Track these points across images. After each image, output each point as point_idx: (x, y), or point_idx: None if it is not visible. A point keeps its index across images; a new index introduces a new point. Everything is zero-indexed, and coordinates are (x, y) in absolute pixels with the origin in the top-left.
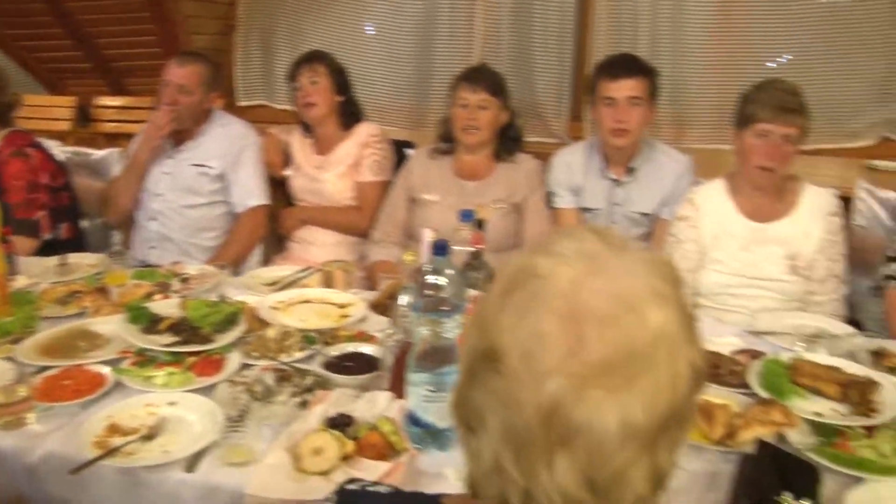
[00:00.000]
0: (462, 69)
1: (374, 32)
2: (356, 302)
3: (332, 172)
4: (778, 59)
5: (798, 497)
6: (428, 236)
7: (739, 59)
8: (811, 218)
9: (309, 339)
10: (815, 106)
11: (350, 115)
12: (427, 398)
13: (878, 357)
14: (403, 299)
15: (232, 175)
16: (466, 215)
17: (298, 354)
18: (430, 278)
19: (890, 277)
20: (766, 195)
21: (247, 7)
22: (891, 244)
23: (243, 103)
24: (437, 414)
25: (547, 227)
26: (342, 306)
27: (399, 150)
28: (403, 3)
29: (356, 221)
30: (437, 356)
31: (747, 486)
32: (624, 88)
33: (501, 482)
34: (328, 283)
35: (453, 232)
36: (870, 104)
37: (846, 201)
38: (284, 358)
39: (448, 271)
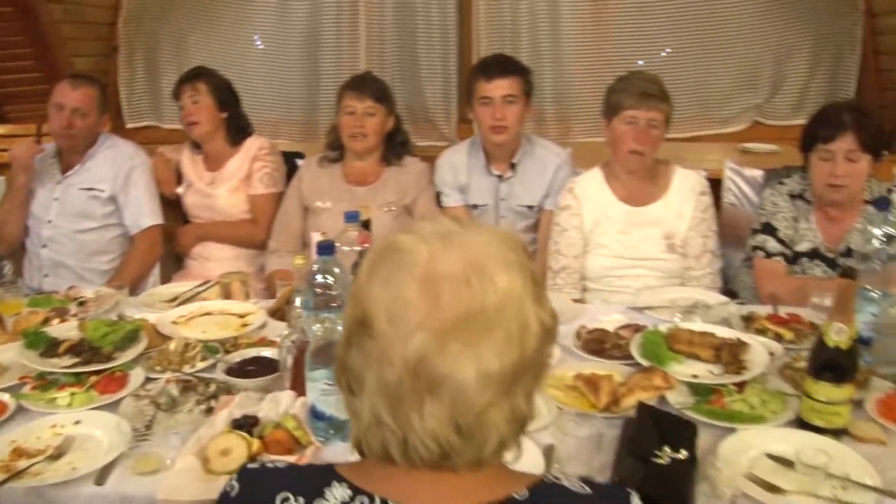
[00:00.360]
0: (348, 78)
1: (262, 46)
2: (255, 310)
3: (225, 187)
4: (654, 56)
5: (676, 450)
6: (316, 239)
7: (615, 57)
8: (683, 198)
9: (211, 349)
10: (690, 96)
11: (237, 129)
12: (325, 392)
13: (748, 321)
14: (297, 301)
15: (123, 197)
16: (351, 216)
17: (201, 365)
18: (319, 278)
19: (756, 248)
20: (640, 180)
21: (128, 27)
22: (757, 218)
23: (131, 125)
24: (337, 406)
25: None
26: (242, 316)
27: (289, 162)
28: (288, 17)
29: (252, 234)
30: (331, 351)
31: (630, 445)
32: (499, 88)
33: (381, 434)
34: (226, 295)
35: (341, 234)
36: (739, 92)
37: (720, 183)
38: (187, 369)
39: (335, 270)
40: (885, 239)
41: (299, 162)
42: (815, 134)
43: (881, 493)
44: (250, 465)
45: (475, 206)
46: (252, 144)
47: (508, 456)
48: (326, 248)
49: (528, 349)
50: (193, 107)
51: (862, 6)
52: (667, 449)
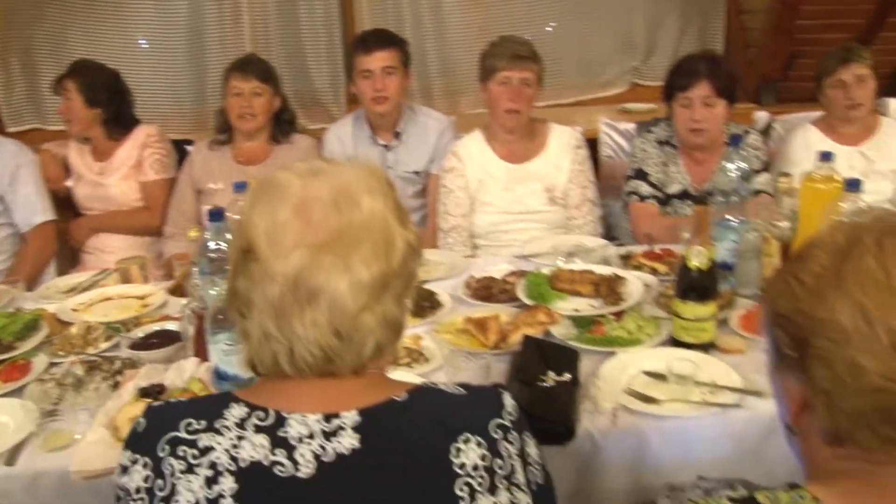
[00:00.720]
0: (233, 61)
1: (145, 42)
2: (155, 291)
3: (115, 176)
4: (538, 27)
5: (560, 374)
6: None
7: (499, 29)
8: (560, 153)
9: (113, 328)
10: (573, 63)
11: (116, 125)
12: (227, 352)
13: (626, 259)
14: (195, 272)
15: (11, 195)
16: (240, 186)
17: (105, 345)
18: (212, 244)
19: (631, 193)
20: (519, 138)
21: (1, 29)
22: (630, 165)
23: (13, 129)
24: (240, 364)
25: None
26: (142, 297)
27: (180, 149)
28: (169, 8)
29: (146, 221)
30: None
31: (517, 373)
32: (378, 60)
33: (271, 348)
34: (125, 280)
35: (231, 204)
36: (618, 56)
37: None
38: (91, 351)
39: (227, 235)
40: (739, 172)
41: (189, 148)
42: (675, 83)
43: (742, 392)
44: (154, 404)
45: None
46: (141, 132)
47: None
48: (217, 215)
49: (394, 261)
50: (63, 105)
51: None
52: (551, 373)
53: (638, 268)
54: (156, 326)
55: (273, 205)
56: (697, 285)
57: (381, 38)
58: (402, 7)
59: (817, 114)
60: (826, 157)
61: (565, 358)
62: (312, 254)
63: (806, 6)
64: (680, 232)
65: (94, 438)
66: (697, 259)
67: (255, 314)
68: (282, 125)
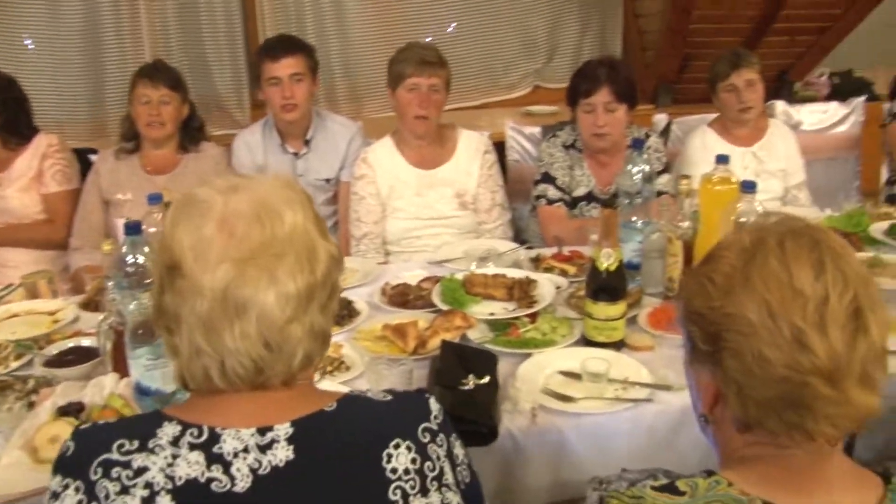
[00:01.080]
0: (139, 67)
1: (32, 46)
2: (65, 306)
3: (14, 188)
4: (440, 30)
5: (480, 377)
6: (121, 224)
7: (402, 33)
8: (469, 158)
9: (24, 346)
10: (477, 66)
11: (13, 133)
12: (149, 367)
13: (536, 262)
14: (110, 286)
15: None
16: (155, 199)
17: (16, 364)
18: (130, 258)
19: (539, 196)
20: (429, 144)
21: None
22: (537, 170)
23: None
24: (162, 379)
25: None
26: (52, 313)
27: (82, 158)
28: (61, 13)
29: (50, 234)
30: (149, 327)
31: (438, 377)
32: (285, 67)
33: (202, 363)
34: (32, 295)
35: (146, 216)
36: (520, 59)
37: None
38: (1, 370)
39: (145, 249)
40: (641, 175)
41: (93, 157)
42: (577, 89)
43: (653, 387)
44: (82, 426)
45: None
46: (41, 142)
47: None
48: (134, 228)
49: (318, 273)
50: None
51: None
52: (471, 377)
53: (548, 270)
54: (70, 343)
55: (196, 221)
56: (608, 286)
57: (288, 45)
58: (304, 10)
59: (712, 115)
60: (722, 159)
61: (484, 361)
62: (238, 268)
63: (697, 10)
64: (588, 234)
65: (9, 461)
66: (607, 260)
67: (184, 329)
68: (190, 133)
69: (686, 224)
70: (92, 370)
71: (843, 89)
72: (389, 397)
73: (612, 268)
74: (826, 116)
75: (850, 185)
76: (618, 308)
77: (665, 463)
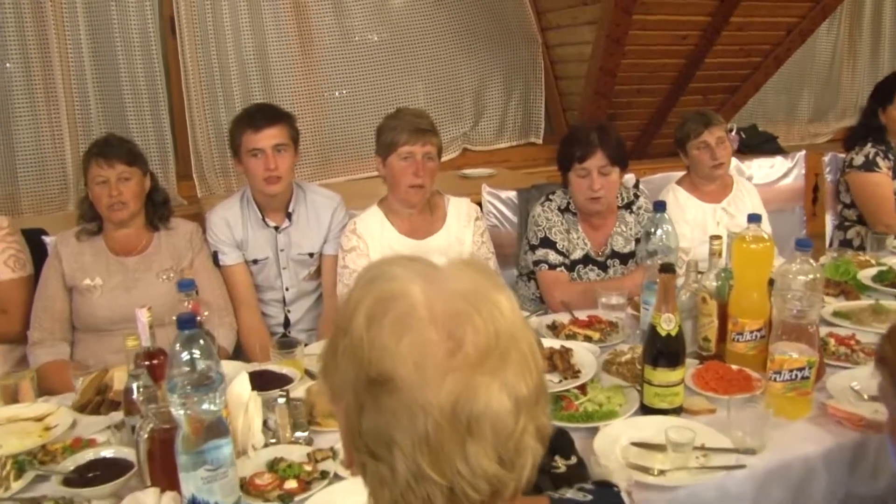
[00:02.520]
0: (90, 145)
1: None
2: (54, 409)
3: None
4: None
5: (566, 457)
6: (143, 316)
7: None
8: (460, 226)
9: (21, 463)
10: None
11: None
12: (207, 479)
13: (555, 329)
14: (134, 387)
15: None
16: (186, 285)
17: (18, 485)
18: (184, 356)
19: (539, 262)
20: (420, 213)
21: None
22: (533, 234)
23: None
24: (223, 491)
25: (220, 288)
26: (40, 419)
27: (34, 240)
28: None
29: (3, 327)
30: (207, 433)
31: None
32: (268, 137)
33: (424, 491)
34: (13, 398)
35: (175, 304)
36: (448, 122)
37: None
38: (5, 494)
39: (200, 342)
40: (665, 236)
41: (47, 240)
42: (571, 154)
43: (737, 452)
44: None
45: (255, 261)
46: None
47: None
48: (188, 322)
49: (541, 366)
50: None
51: (539, 39)
52: (559, 458)
53: (571, 337)
54: (88, 455)
55: (405, 323)
56: (668, 351)
57: (270, 114)
58: (229, 74)
59: (676, 174)
60: (754, 218)
61: (561, 440)
62: (467, 376)
63: (621, 73)
64: (594, 297)
65: None
66: (667, 325)
67: (399, 454)
68: (157, 208)
69: (713, 283)
70: (124, 486)
71: (750, 143)
72: (589, 497)
73: (673, 332)
74: (773, 170)
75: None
76: (678, 373)
77: None
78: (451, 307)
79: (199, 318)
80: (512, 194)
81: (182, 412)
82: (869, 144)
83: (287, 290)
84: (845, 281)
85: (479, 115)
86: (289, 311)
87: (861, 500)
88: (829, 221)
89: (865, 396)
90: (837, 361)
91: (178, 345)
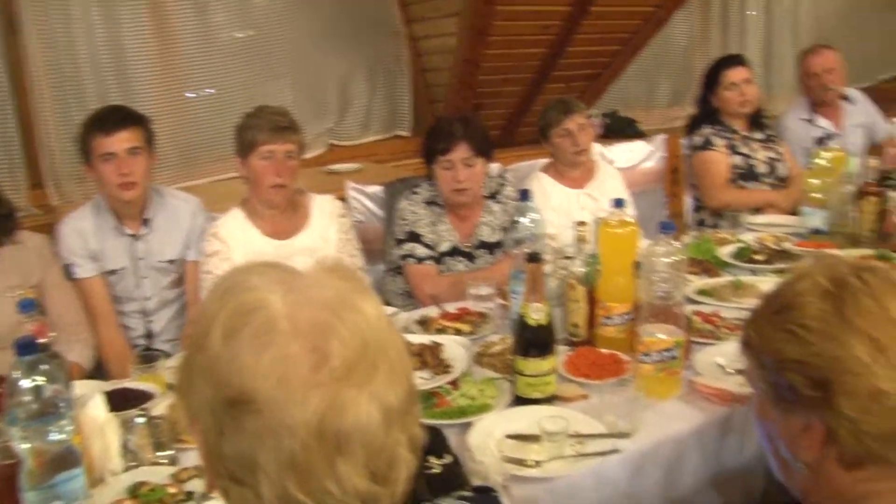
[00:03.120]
0: None
1: None
2: None
3: None
4: (225, 86)
5: (439, 456)
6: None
7: (186, 89)
8: (325, 224)
9: None
10: None
11: None
12: None
13: (424, 324)
14: None
15: None
16: (26, 305)
17: None
18: (24, 383)
19: (406, 256)
20: (283, 212)
21: None
22: (399, 228)
23: None
24: None
25: (74, 303)
26: None
27: None
28: None
29: None
30: (55, 465)
31: None
32: (121, 141)
33: None
34: None
35: (16, 328)
36: (313, 118)
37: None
38: None
39: (43, 367)
40: (532, 224)
41: None
42: (435, 147)
43: (611, 437)
44: None
45: (112, 272)
46: None
47: None
48: (28, 347)
49: (411, 373)
50: None
51: (404, 31)
52: (431, 458)
53: (441, 331)
54: None
55: (266, 337)
56: (538, 341)
57: (122, 116)
58: (83, 75)
59: (542, 161)
60: (619, 203)
61: (434, 439)
62: (334, 391)
63: (486, 63)
64: (463, 289)
65: None
66: (537, 315)
67: (263, 478)
68: (1, 221)
69: (581, 269)
70: None
71: (613, 128)
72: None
73: (543, 321)
74: (634, 154)
75: (661, 215)
76: (549, 362)
77: None
78: (315, 318)
79: (43, 340)
80: (378, 189)
81: (25, 445)
82: (707, 127)
83: (148, 299)
84: (706, 259)
85: (345, 109)
86: (150, 322)
87: (730, 473)
88: (688, 202)
89: (731, 370)
90: (703, 338)
91: (17, 372)
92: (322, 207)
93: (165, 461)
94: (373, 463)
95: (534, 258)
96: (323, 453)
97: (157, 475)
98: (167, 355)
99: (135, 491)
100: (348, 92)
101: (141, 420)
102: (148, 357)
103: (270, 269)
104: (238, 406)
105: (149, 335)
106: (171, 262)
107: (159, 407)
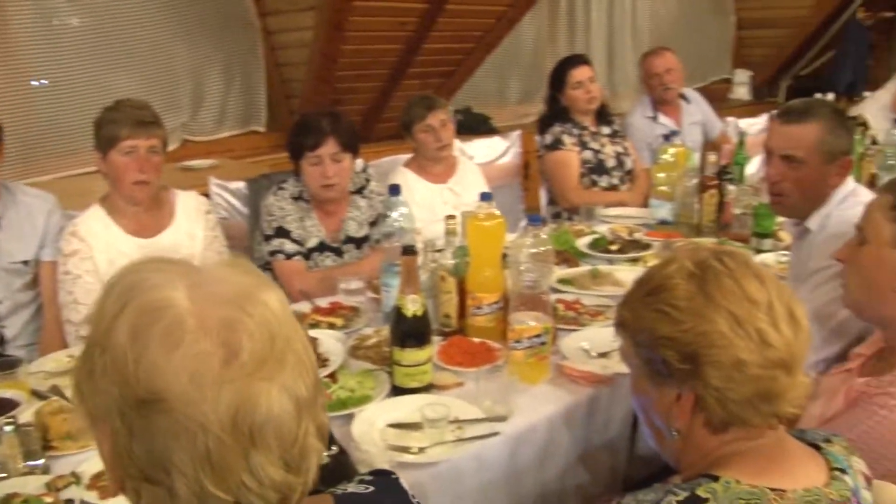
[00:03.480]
0: None
1: None
2: None
3: None
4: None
5: (327, 447)
6: None
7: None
8: (191, 221)
9: None
10: None
11: None
12: None
13: (298, 320)
14: None
15: None
16: None
17: None
18: None
19: (275, 252)
20: (146, 210)
21: None
22: (267, 224)
23: None
24: None
25: None
26: None
27: None
28: None
29: None
30: None
31: None
32: None
33: None
34: None
35: None
36: (165, 112)
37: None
38: None
39: None
40: (401, 219)
41: None
42: (302, 143)
43: (489, 421)
44: None
45: None
46: None
47: None
48: None
49: (315, 362)
50: None
51: (259, 24)
52: None
53: (314, 326)
54: None
55: (174, 335)
56: (415, 331)
57: None
58: None
59: (402, 157)
60: (486, 197)
61: None
62: (245, 385)
63: (343, 58)
64: (333, 283)
65: None
66: (413, 306)
67: (178, 476)
68: None
69: (450, 261)
70: None
71: (468, 124)
72: (371, 488)
73: (419, 312)
74: (492, 150)
75: (517, 208)
76: (426, 352)
77: (512, 490)
78: (222, 313)
79: None
80: (241, 185)
81: None
82: (557, 125)
83: (0, 303)
84: (566, 250)
85: (199, 104)
86: (3, 328)
87: (597, 450)
88: (543, 196)
89: (594, 354)
90: (567, 325)
91: None
92: (187, 204)
93: (37, 470)
94: (287, 454)
95: (408, 251)
96: (238, 448)
97: (29, 485)
98: (27, 361)
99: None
100: (202, 86)
101: (9, 428)
102: (6, 363)
103: (170, 265)
104: (149, 405)
105: (1, 341)
106: (24, 262)
107: (27, 413)
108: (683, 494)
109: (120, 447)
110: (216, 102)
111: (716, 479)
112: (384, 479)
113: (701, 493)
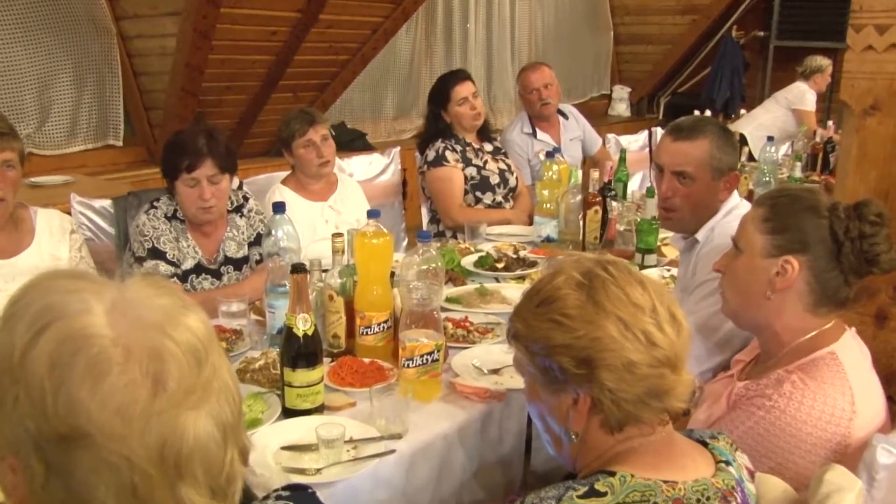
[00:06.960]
0: None
1: None
2: None
3: None
4: None
5: None
6: None
7: None
8: (53, 240)
9: None
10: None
11: None
12: None
13: None
14: None
15: None
16: None
17: None
18: None
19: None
20: (3, 229)
21: None
22: (139, 245)
23: None
24: None
25: None
26: None
27: None
28: None
29: None
30: None
31: None
32: None
33: None
34: None
35: None
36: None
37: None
38: None
39: None
40: (286, 238)
41: None
42: (178, 163)
43: (384, 439)
44: None
45: None
46: None
47: None
48: None
49: (237, 385)
50: None
51: (114, 29)
52: None
53: None
54: None
55: (99, 367)
56: (306, 351)
57: None
58: None
59: (277, 174)
60: (373, 214)
61: None
62: (173, 415)
63: (209, 69)
64: (215, 306)
65: None
66: (304, 325)
67: None
68: None
69: (337, 280)
70: None
71: (341, 140)
72: (290, 503)
73: (310, 332)
74: (371, 167)
75: (399, 226)
76: (318, 372)
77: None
78: (147, 342)
79: None
80: (107, 203)
81: None
82: (439, 141)
83: None
84: (451, 268)
85: (46, 114)
86: None
87: (492, 464)
88: (425, 214)
89: (485, 370)
90: (457, 343)
91: None
92: (49, 223)
93: None
94: (213, 481)
95: (298, 269)
96: (164, 480)
97: None
98: None
99: None
100: (49, 94)
101: None
102: None
103: (82, 284)
104: (70, 441)
105: None
106: None
107: None
108: (583, 489)
109: (35, 484)
110: (67, 113)
111: (612, 474)
112: (301, 494)
113: (599, 486)
